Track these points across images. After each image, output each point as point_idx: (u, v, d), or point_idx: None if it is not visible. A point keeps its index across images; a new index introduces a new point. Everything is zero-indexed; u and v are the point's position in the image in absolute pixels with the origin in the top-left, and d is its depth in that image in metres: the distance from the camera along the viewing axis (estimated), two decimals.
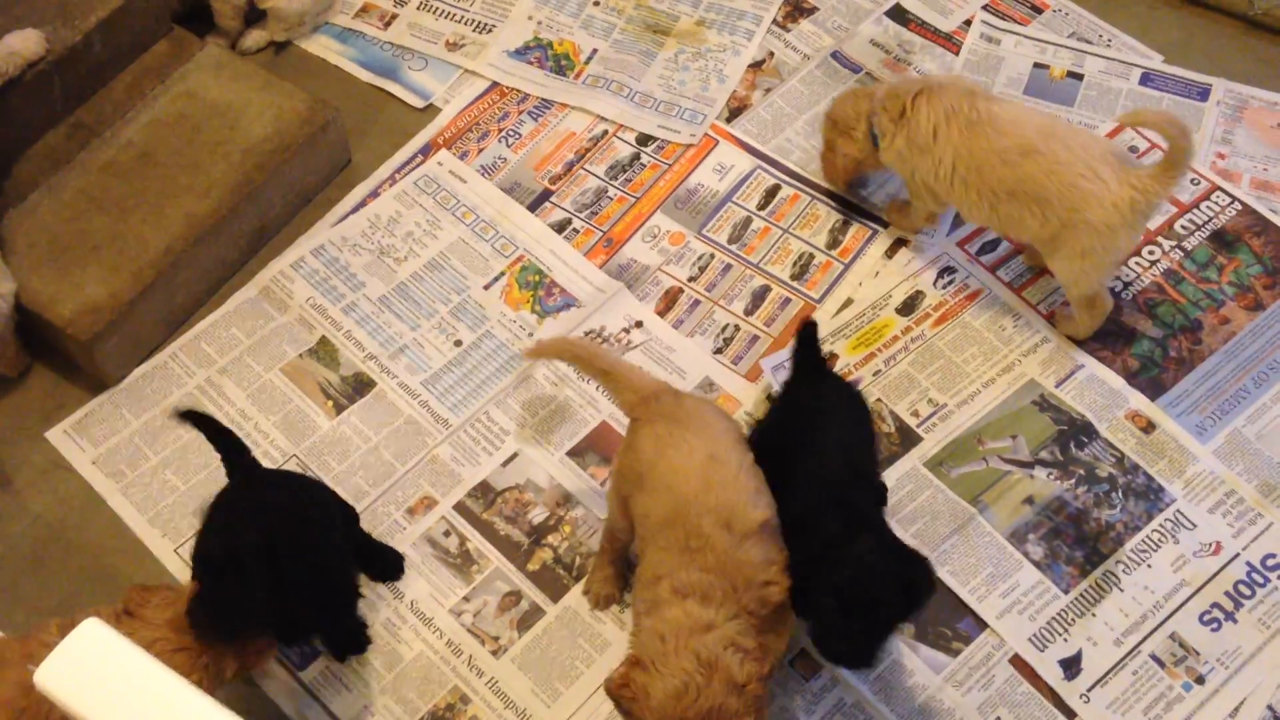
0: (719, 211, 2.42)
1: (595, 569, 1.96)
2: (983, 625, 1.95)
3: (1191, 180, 2.43)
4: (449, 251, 2.37)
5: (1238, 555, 2.02)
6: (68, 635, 1.09)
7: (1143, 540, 2.03)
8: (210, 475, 2.10)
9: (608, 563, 1.93)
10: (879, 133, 2.20)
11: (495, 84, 2.60)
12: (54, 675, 1.08)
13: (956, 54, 2.62)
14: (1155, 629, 1.95)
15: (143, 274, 2.18)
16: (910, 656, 1.92)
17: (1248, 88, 2.56)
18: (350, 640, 1.91)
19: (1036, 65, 2.60)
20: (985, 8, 2.70)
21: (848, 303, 2.30)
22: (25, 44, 2.20)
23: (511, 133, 2.53)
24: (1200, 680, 1.91)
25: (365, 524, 2.03)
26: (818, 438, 1.82)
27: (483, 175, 2.46)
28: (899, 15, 2.69)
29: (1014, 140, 2.04)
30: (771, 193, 2.44)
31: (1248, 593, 1.98)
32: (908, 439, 2.13)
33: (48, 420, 2.17)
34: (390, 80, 2.60)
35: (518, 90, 2.58)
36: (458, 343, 2.25)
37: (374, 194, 2.44)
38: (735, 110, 2.55)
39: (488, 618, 1.96)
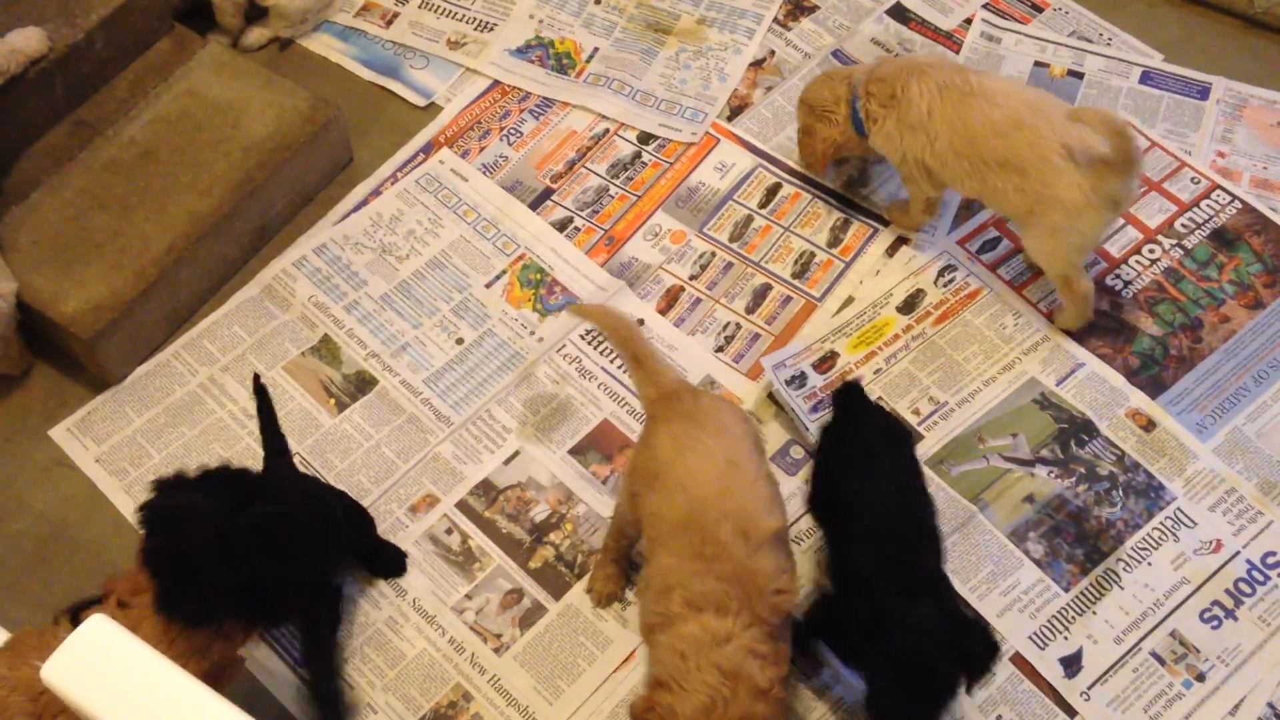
0: (720, 210, 2.42)
1: (598, 567, 1.96)
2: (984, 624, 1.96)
3: (1191, 179, 2.43)
4: (450, 250, 2.37)
5: (1238, 553, 2.02)
6: (74, 631, 1.10)
7: (1143, 538, 2.03)
8: None
9: (610, 560, 1.94)
10: (866, 117, 2.21)
11: (497, 82, 2.60)
12: (61, 671, 1.08)
13: (957, 52, 2.63)
14: (1156, 627, 1.96)
15: (145, 272, 2.18)
16: None
17: (1248, 86, 2.57)
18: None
19: (1037, 63, 2.61)
20: (986, 6, 2.70)
21: (848, 301, 2.31)
22: (28, 42, 2.20)
23: (513, 131, 2.53)
24: (1200, 678, 1.92)
25: None
26: (870, 487, 1.79)
27: (484, 174, 2.47)
28: (900, 14, 2.70)
29: (1006, 112, 2.07)
30: (772, 191, 2.44)
31: (1248, 590, 1.99)
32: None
33: (50, 418, 2.17)
34: (392, 79, 2.60)
35: (519, 89, 2.59)
36: (459, 341, 2.26)
37: (376, 192, 2.45)
38: (736, 109, 2.56)
39: (490, 615, 1.97)
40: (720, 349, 2.25)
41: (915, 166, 2.20)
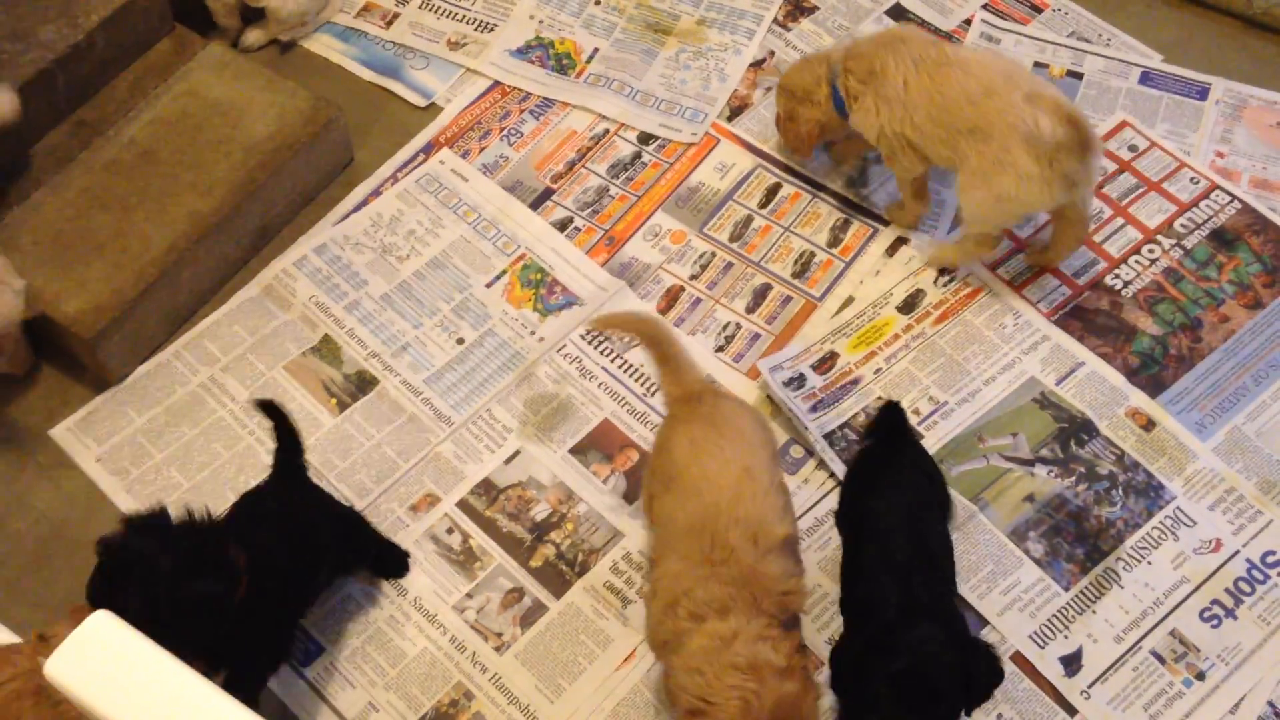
0: (720, 210, 2.43)
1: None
2: (984, 622, 1.96)
3: (1191, 179, 2.44)
4: (451, 250, 2.37)
5: (1238, 552, 2.02)
6: (77, 628, 1.10)
7: (1143, 537, 2.04)
8: (214, 473, 2.11)
9: None
10: (846, 95, 2.22)
11: (497, 83, 2.60)
12: (64, 667, 1.08)
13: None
14: (1155, 626, 1.96)
15: (146, 272, 2.18)
16: None
17: (1247, 87, 2.57)
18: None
19: (1036, 64, 2.61)
20: (985, 7, 2.71)
21: (849, 301, 2.31)
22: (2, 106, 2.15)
23: (513, 131, 2.53)
24: (1200, 676, 1.92)
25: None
26: (887, 517, 1.78)
27: (484, 174, 2.47)
28: (899, 14, 2.70)
29: (982, 81, 2.10)
30: (772, 191, 2.45)
31: (1248, 589, 1.99)
32: None
33: (51, 418, 2.17)
34: (392, 79, 2.61)
35: (519, 89, 2.59)
36: (460, 341, 2.26)
37: (376, 192, 2.45)
38: (736, 109, 2.56)
39: (491, 614, 1.97)
40: (720, 349, 2.25)
41: (895, 140, 2.22)
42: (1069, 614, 1.97)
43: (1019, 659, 1.93)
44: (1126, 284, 2.31)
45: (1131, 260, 2.34)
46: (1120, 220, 2.39)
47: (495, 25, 2.69)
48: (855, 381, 2.20)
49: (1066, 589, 1.99)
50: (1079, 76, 2.59)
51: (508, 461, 2.12)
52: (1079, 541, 2.03)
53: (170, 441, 2.14)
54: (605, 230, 2.40)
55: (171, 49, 2.48)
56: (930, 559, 1.76)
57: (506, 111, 2.56)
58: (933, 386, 2.19)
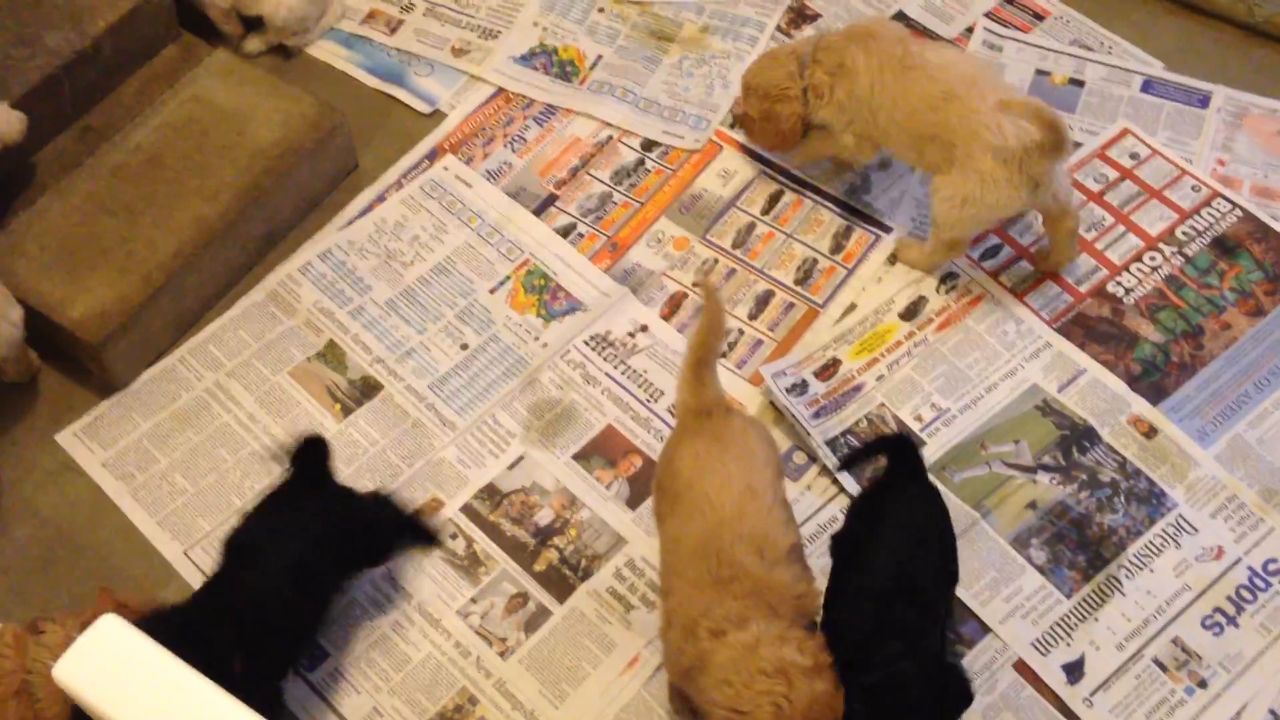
0: (723, 216, 2.43)
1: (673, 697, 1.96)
2: (986, 630, 1.96)
3: (1192, 187, 2.44)
4: (455, 256, 2.38)
5: (1239, 560, 2.03)
6: (85, 630, 1.10)
7: (1145, 545, 2.04)
8: (219, 478, 2.12)
9: None
10: (813, 86, 2.24)
11: (501, 90, 2.61)
12: (72, 670, 1.09)
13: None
14: (1158, 633, 1.97)
15: (152, 277, 2.19)
16: None
17: (1248, 95, 2.58)
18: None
19: (1038, 72, 2.62)
20: (987, 14, 2.72)
21: (851, 308, 2.32)
22: (9, 126, 2.15)
23: (517, 138, 2.54)
24: (1203, 684, 1.92)
25: None
26: (877, 549, 1.77)
27: (488, 180, 2.48)
28: (901, 22, 2.71)
29: (941, 86, 2.11)
30: (775, 198, 2.46)
31: (1249, 597, 2.00)
32: None
33: (57, 423, 2.18)
34: (396, 86, 2.62)
35: (523, 96, 2.60)
36: (464, 346, 2.27)
37: (380, 198, 2.46)
38: (739, 116, 2.57)
39: (495, 619, 1.98)
40: (723, 355, 2.26)
41: (857, 134, 2.25)
42: (1071, 621, 1.97)
43: (1021, 666, 1.93)
44: (1128, 291, 2.32)
45: (1133, 268, 2.35)
46: (1122, 228, 2.40)
47: (499, 32, 2.70)
48: (858, 388, 2.21)
49: (1069, 596, 1.99)
50: (1080, 84, 2.60)
51: (511, 467, 2.12)
52: (1081, 549, 2.03)
53: (175, 447, 2.15)
54: (608, 237, 2.41)
55: (178, 55, 2.49)
56: (918, 591, 1.73)
57: (510, 118, 2.57)
58: (935, 393, 2.20)
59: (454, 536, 2.05)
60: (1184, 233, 2.39)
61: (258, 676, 1.70)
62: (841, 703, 1.55)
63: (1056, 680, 1.92)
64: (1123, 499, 2.08)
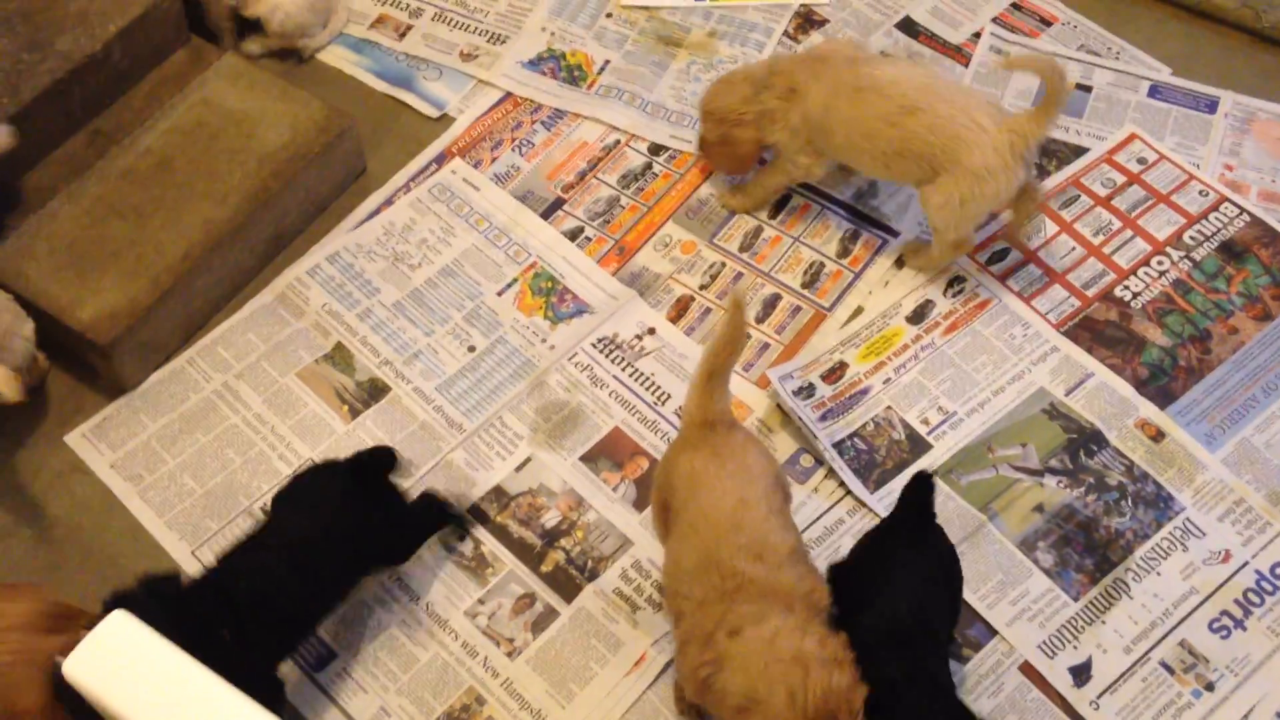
0: (730, 220, 2.44)
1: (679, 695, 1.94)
2: (993, 632, 1.96)
3: (1200, 191, 2.45)
4: (463, 258, 2.39)
5: (1247, 563, 2.03)
6: (95, 627, 1.11)
7: (1152, 548, 2.04)
8: (227, 479, 2.12)
9: None
10: (766, 111, 2.24)
11: (509, 94, 2.62)
12: (81, 666, 1.09)
13: (966, 66, 2.64)
14: (1165, 636, 1.96)
15: (160, 279, 2.20)
16: None
17: (1255, 100, 2.58)
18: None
19: None
20: (995, 20, 2.72)
21: (858, 311, 2.32)
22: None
23: (525, 142, 2.55)
24: (1210, 687, 1.92)
25: None
26: (891, 591, 1.73)
27: (496, 183, 2.49)
28: (909, 28, 2.72)
29: (897, 101, 2.12)
30: (782, 202, 2.46)
31: (1257, 600, 1.99)
32: (917, 447, 2.14)
33: (66, 424, 2.19)
34: (405, 90, 2.63)
35: (531, 100, 2.61)
36: (471, 348, 2.27)
37: (389, 202, 2.47)
38: None
39: (502, 620, 1.98)
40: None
41: (814, 153, 2.26)
42: (1078, 624, 1.97)
43: (1028, 669, 1.93)
44: (1135, 295, 2.32)
45: (1140, 272, 2.35)
46: (1129, 232, 2.40)
47: (507, 37, 2.71)
48: (864, 391, 2.21)
49: (1076, 599, 1.99)
50: (1088, 89, 2.61)
51: (519, 469, 2.13)
52: (1088, 552, 2.03)
53: (184, 448, 2.16)
54: (616, 240, 2.42)
55: (187, 59, 2.51)
56: (935, 634, 1.72)
57: (518, 122, 2.58)
58: (942, 397, 2.20)
59: (462, 538, 2.06)
60: (1191, 237, 2.39)
61: (250, 654, 1.68)
62: (860, 698, 1.52)
63: (1063, 683, 1.92)
64: (1130, 502, 2.08)
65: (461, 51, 2.69)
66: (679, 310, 2.32)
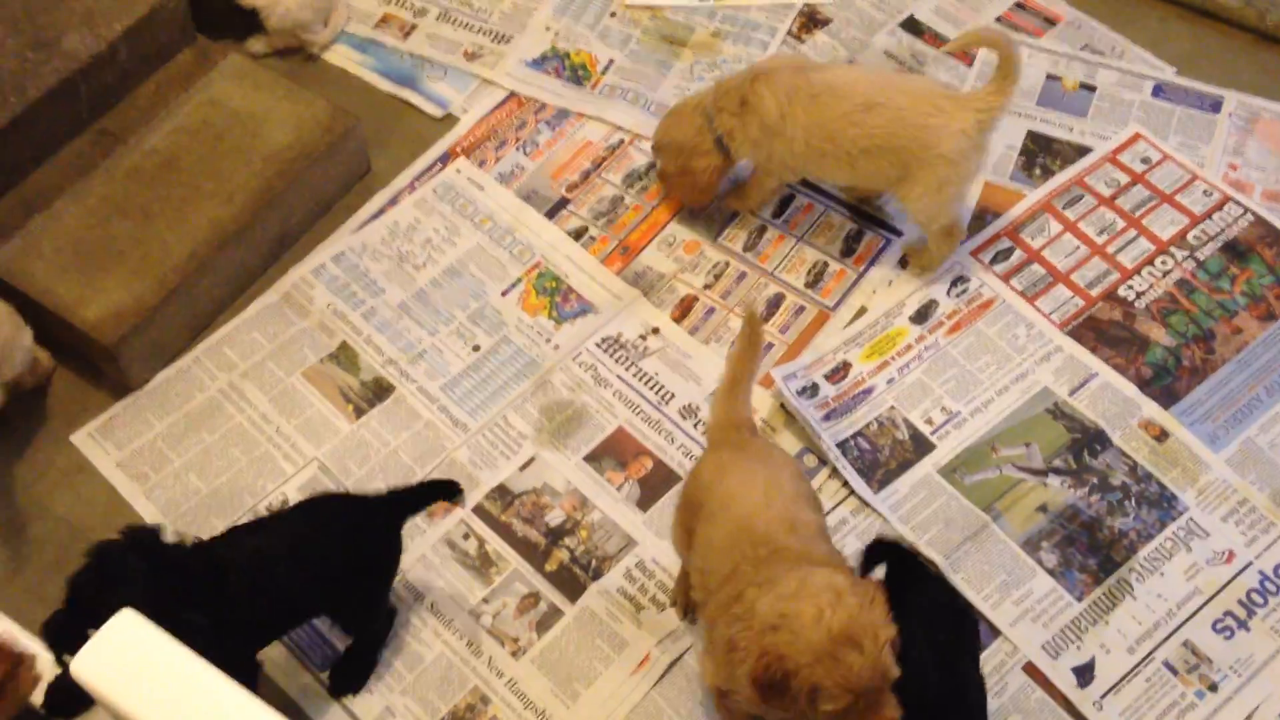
0: (734, 220, 2.44)
1: (678, 582, 1.97)
2: (996, 632, 1.96)
3: (1204, 191, 2.45)
4: (467, 258, 2.39)
5: (1250, 564, 2.03)
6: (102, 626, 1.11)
7: (1156, 548, 2.04)
8: (232, 478, 2.13)
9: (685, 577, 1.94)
10: (725, 132, 2.25)
11: (513, 93, 2.62)
12: (88, 665, 1.10)
13: (970, 65, 2.64)
14: (1168, 637, 1.96)
15: (166, 279, 2.20)
16: None
17: (1260, 100, 2.58)
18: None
19: (1050, 77, 2.62)
20: (999, 20, 2.72)
21: (861, 311, 2.32)
22: None
23: (529, 141, 2.55)
24: (1213, 688, 1.92)
25: None
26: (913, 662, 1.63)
27: (500, 183, 2.49)
28: (913, 27, 2.72)
29: (856, 100, 2.14)
30: (786, 202, 2.46)
31: (1260, 601, 1.99)
32: (921, 446, 2.15)
33: (72, 423, 2.19)
34: (409, 89, 2.63)
35: (535, 100, 2.61)
36: (476, 348, 2.28)
37: (393, 201, 2.47)
38: None
39: (507, 619, 1.98)
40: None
41: (779, 165, 2.26)
42: (1082, 624, 1.97)
43: (1031, 669, 1.93)
44: (1139, 295, 2.32)
45: (1144, 271, 2.35)
46: (1133, 232, 2.40)
47: (511, 36, 2.71)
48: (868, 391, 2.21)
49: (1079, 599, 1.99)
50: (1092, 89, 2.61)
51: (523, 468, 2.13)
52: (1092, 552, 2.03)
53: (189, 447, 2.16)
54: (620, 240, 2.42)
55: (193, 59, 2.51)
56: (962, 700, 1.67)
57: (522, 121, 2.58)
58: (945, 396, 2.20)
59: (466, 537, 2.06)
60: (1195, 237, 2.39)
61: (230, 629, 1.66)
62: (887, 634, 1.47)
63: (1067, 683, 1.92)
64: (1134, 502, 2.08)
65: (466, 51, 2.69)
66: (683, 310, 2.32)
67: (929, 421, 2.17)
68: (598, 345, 2.27)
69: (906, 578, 1.76)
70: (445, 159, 2.53)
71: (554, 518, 2.08)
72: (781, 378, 2.20)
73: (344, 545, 1.79)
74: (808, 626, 1.46)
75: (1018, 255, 2.37)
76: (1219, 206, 2.43)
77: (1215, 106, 2.57)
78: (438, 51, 2.69)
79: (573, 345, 2.27)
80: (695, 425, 2.18)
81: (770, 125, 2.20)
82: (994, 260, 2.37)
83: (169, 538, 1.66)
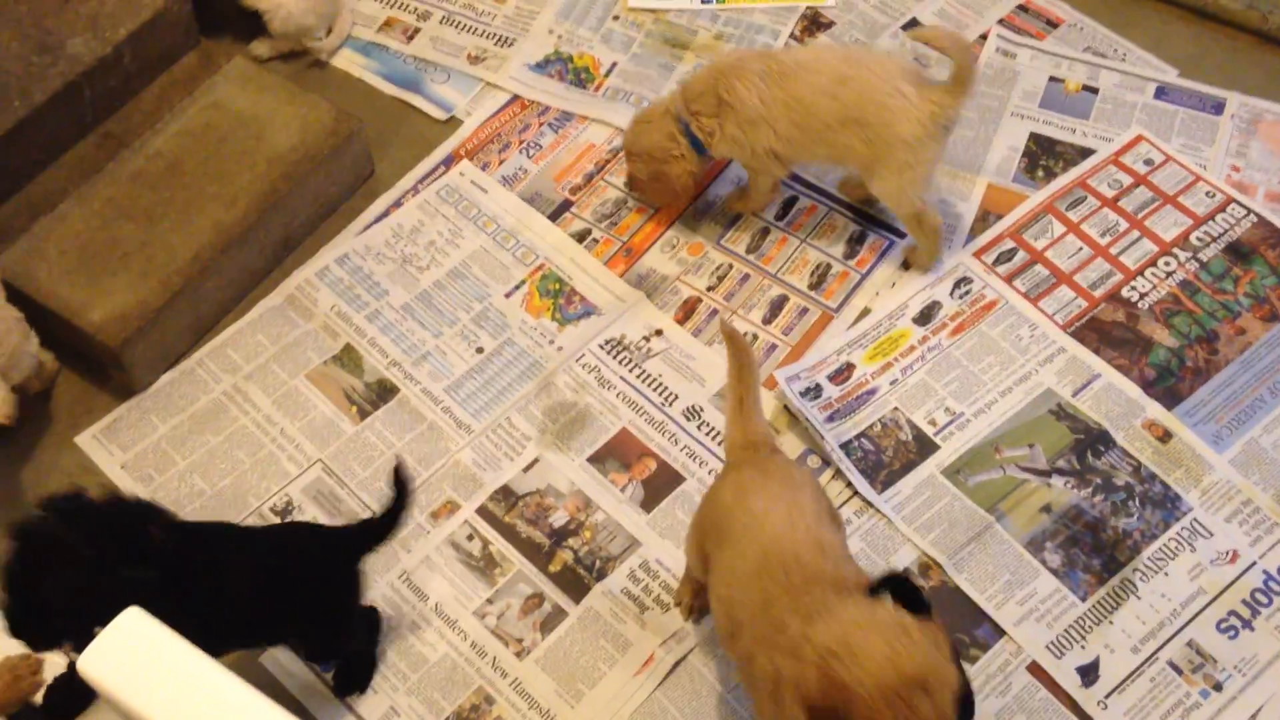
0: (737, 222, 2.45)
1: (683, 583, 1.97)
2: (1000, 632, 1.96)
3: (1207, 193, 2.45)
4: (471, 260, 2.40)
5: (1254, 564, 2.03)
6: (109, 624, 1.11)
7: (1160, 548, 2.04)
8: (236, 480, 2.13)
9: (690, 582, 1.93)
10: (702, 133, 2.26)
11: (516, 96, 2.63)
12: (95, 663, 1.10)
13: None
14: (1172, 636, 1.96)
15: (171, 281, 2.21)
16: None
17: (1262, 101, 2.58)
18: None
19: (1052, 79, 2.63)
20: (1001, 22, 2.73)
21: (865, 312, 2.32)
22: None
23: (532, 144, 2.56)
24: (1218, 687, 1.92)
25: None
26: None
27: (504, 186, 2.49)
28: (913, 29, 2.72)
29: (828, 74, 2.17)
30: (789, 203, 2.47)
31: (1264, 601, 1.99)
32: (925, 447, 2.15)
33: (76, 425, 2.20)
34: (413, 93, 2.64)
35: (538, 103, 2.62)
36: (479, 350, 2.28)
37: (397, 204, 2.48)
38: None
39: (511, 620, 1.99)
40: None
41: (765, 156, 2.26)
42: (1086, 624, 1.97)
43: (1035, 669, 1.93)
44: (1143, 296, 2.32)
45: (1148, 273, 2.35)
46: (1136, 233, 2.40)
47: (515, 40, 2.72)
48: (871, 392, 2.22)
49: (1083, 599, 1.99)
50: (1094, 91, 2.61)
51: (526, 469, 2.13)
52: (1096, 552, 2.03)
53: (194, 449, 2.17)
54: (623, 242, 2.42)
55: (197, 62, 2.52)
56: None
57: (526, 124, 2.59)
58: (949, 398, 2.20)
59: (470, 538, 2.07)
60: (1198, 238, 2.39)
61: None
62: (956, 683, 1.38)
63: (1071, 683, 1.92)
64: (1137, 503, 2.08)
65: (469, 54, 2.70)
66: (686, 311, 2.33)
67: (932, 422, 2.18)
68: (601, 347, 2.28)
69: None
70: (449, 162, 2.54)
71: (558, 519, 2.08)
72: (785, 379, 2.20)
73: (299, 577, 1.74)
74: (877, 662, 1.37)
75: (1021, 256, 2.38)
76: (1222, 208, 2.43)
77: (1218, 108, 2.58)
78: (441, 55, 2.70)
79: (576, 347, 2.27)
80: (698, 427, 2.18)
81: (751, 117, 2.21)
82: (997, 261, 2.37)
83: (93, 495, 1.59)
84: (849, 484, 2.10)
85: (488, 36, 2.72)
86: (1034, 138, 2.54)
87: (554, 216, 2.45)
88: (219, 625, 1.64)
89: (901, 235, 2.41)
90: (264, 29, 2.62)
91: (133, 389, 2.22)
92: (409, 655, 1.96)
